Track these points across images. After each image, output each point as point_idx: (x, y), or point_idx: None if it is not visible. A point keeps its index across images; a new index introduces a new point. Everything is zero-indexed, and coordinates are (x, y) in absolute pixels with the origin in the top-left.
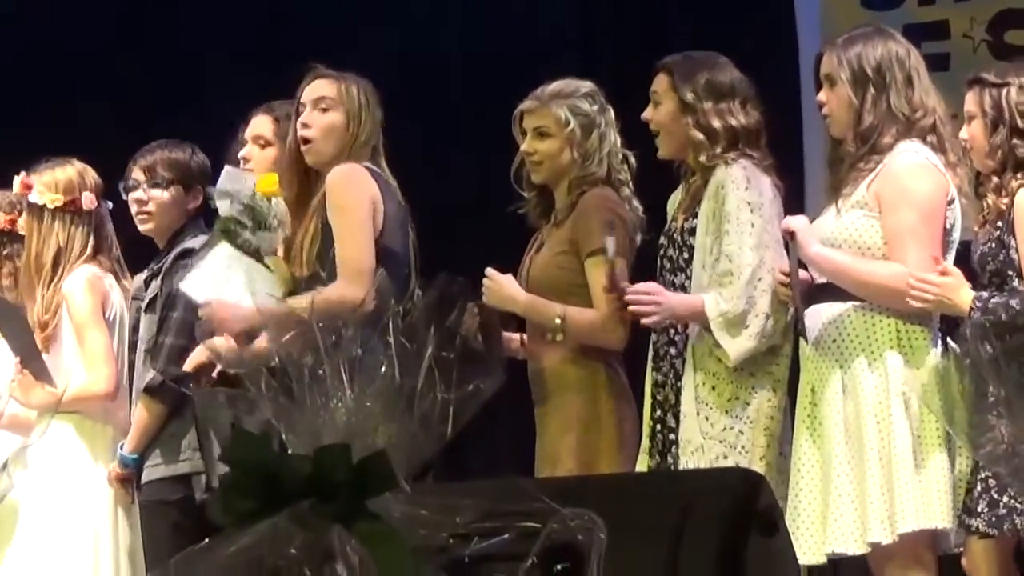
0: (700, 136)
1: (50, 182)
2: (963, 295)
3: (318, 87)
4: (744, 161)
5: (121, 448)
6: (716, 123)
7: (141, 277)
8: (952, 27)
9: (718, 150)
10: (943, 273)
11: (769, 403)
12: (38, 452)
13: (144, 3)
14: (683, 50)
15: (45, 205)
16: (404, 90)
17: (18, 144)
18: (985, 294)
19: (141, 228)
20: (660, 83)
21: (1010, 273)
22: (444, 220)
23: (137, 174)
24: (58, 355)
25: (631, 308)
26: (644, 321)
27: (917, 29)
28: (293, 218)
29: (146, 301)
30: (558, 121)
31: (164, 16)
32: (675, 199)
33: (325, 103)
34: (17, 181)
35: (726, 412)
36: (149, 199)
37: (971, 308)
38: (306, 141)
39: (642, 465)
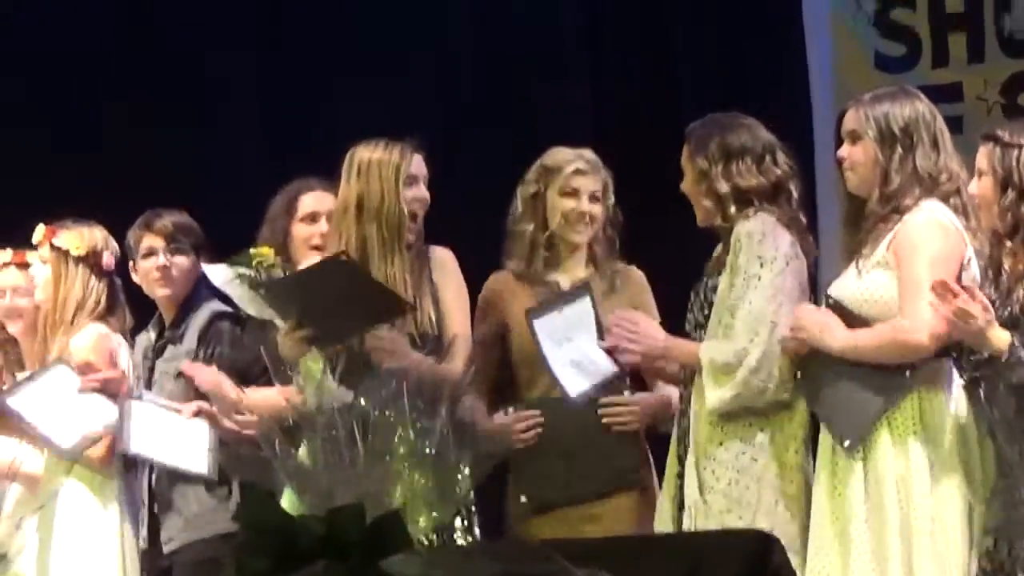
0: (709, 203)
1: (75, 235)
2: (998, 332)
3: (420, 163)
4: (764, 215)
5: None
6: (724, 187)
7: (148, 337)
8: (966, 90)
9: (730, 211)
10: (984, 308)
11: (778, 461)
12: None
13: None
14: (694, 117)
15: (69, 251)
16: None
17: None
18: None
19: (159, 293)
20: (684, 153)
21: None
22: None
23: (153, 240)
24: None
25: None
26: (626, 358)
27: (930, 91)
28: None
29: (180, 368)
30: (606, 186)
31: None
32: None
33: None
34: (40, 229)
35: (732, 467)
36: (172, 265)
37: (1010, 347)
38: (414, 217)
39: (662, 511)
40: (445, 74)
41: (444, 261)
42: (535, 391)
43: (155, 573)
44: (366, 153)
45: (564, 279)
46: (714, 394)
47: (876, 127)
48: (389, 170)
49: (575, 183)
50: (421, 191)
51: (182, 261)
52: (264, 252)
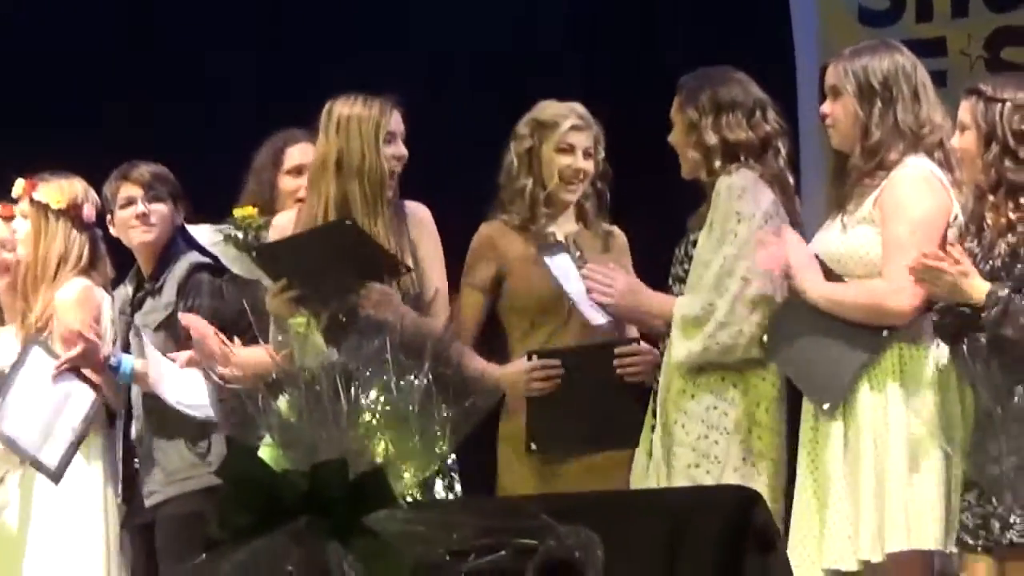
0: (697, 155)
1: (55, 187)
2: (976, 283)
3: (399, 120)
4: (746, 171)
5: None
6: (712, 139)
7: (125, 291)
8: (949, 44)
9: (716, 164)
10: (956, 261)
11: (750, 417)
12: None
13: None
14: (678, 69)
15: (49, 205)
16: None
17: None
18: (1001, 291)
19: (140, 240)
20: (674, 105)
21: None
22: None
23: (131, 190)
24: None
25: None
26: (600, 299)
27: (914, 46)
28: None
29: (159, 320)
30: (598, 141)
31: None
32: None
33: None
34: (19, 183)
35: (702, 421)
36: (150, 212)
37: (988, 297)
38: (392, 174)
39: (637, 465)
40: (439, 74)
41: (420, 217)
42: (530, 341)
43: (136, 527)
44: (345, 109)
45: (559, 232)
46: (682, 346)
47: (855, 82)
48: (369, 127)
49: (571, 139)
50: (400, 148)
51: (160, 208)
52: (249, 213)
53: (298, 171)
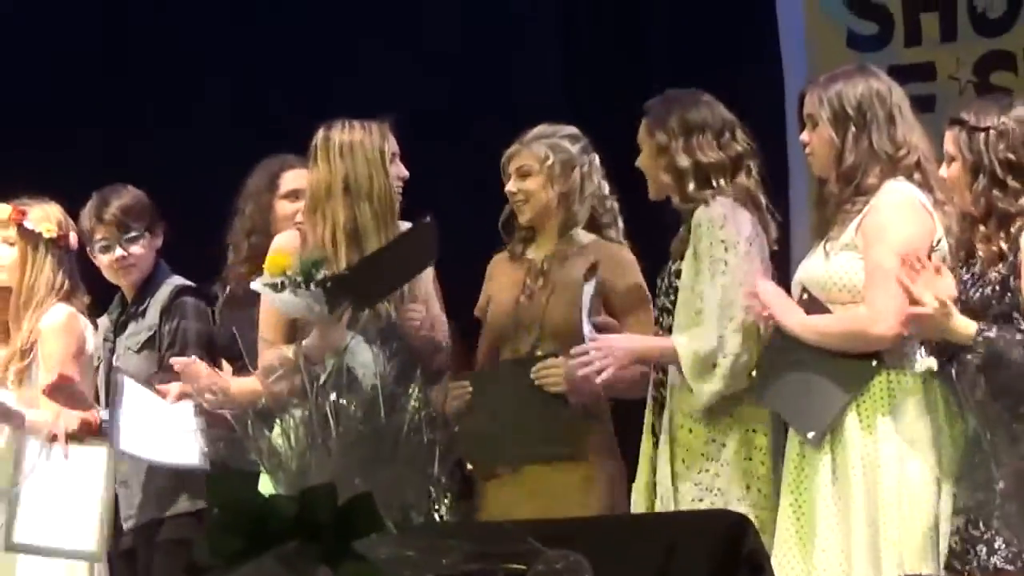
0: (668, 178)
1: (43, 215)
2: (961, 323)
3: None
4: (723, 199)
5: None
6: (684, 161)
7: (109, 318)
8: (938, 68)
9: (690, 188)
10: (942, 304)
11: (747, 445)
12: None
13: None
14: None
15: (41, 234)
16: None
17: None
18: (988, 331)
19: (123, 282)
20: (641, 128)
21: (1016, 316)
22: None
23: (106, 232)
24: (32, 390)
25: (580, 372)
26: (601, 377)
27: (903, 71)
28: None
29: (141, 341)
30: (538, 159)
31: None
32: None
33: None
34: (6, 209)
35: (701, 455)
36: (128, 255)
37: (976, 339)
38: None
39: (638, 494)
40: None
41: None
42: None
43: (116, 549)
44: (344, 135)
45: (537, 255)
46: (702, 389)
47: (830, 108)
48: (374, 152)
49: (506, 164)
50: (402, 169)
51: (137, 250)
52: (284, 258)
53: (295, 195)
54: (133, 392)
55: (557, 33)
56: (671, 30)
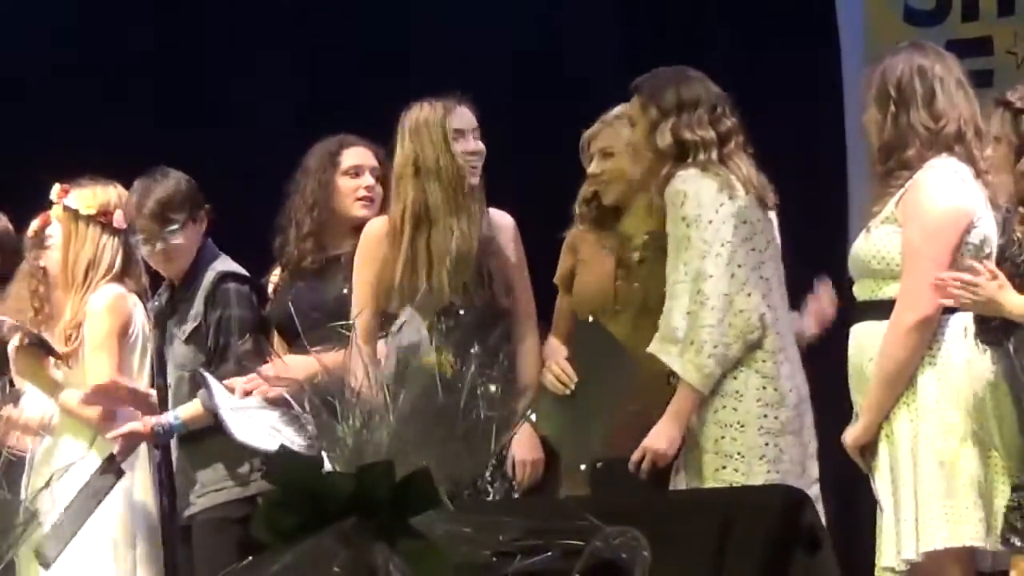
0: (651, 156)
1: (87, 193)
2: (1011, 296)
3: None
4: (682, 173)
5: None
6: (667, 139)
7: (159, 300)
8: (995, 43)
9: (667, 169)
10: (993, 276)
11: (759, 402)
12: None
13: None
14: (725, 74)
15: (79, 210)
16: None
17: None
18: None
19: (167, 271)
20: (635, 104)
21: None
22: None
23: (147, 224)
24: (80, 371)
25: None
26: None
27: (960, 45)
28: None
29: (188, 331)
30: (621, 138)
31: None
32: None
33: None
34: (56, 188)
35: (715, 423)
36: (169, 247)
37: None
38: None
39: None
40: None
41: (505, 226)
42: None
43: (173, 535)
44: (413, 114)
45: (630, 232)
46: (690, 373)
47: (875, 88)
48: (435, 128)
49: (586, 144)
50: (470, 143)
51: (179, 240)
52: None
53: (356, 172)
54: (218, 389)
55: (616, 8)
56: (727, 7)
